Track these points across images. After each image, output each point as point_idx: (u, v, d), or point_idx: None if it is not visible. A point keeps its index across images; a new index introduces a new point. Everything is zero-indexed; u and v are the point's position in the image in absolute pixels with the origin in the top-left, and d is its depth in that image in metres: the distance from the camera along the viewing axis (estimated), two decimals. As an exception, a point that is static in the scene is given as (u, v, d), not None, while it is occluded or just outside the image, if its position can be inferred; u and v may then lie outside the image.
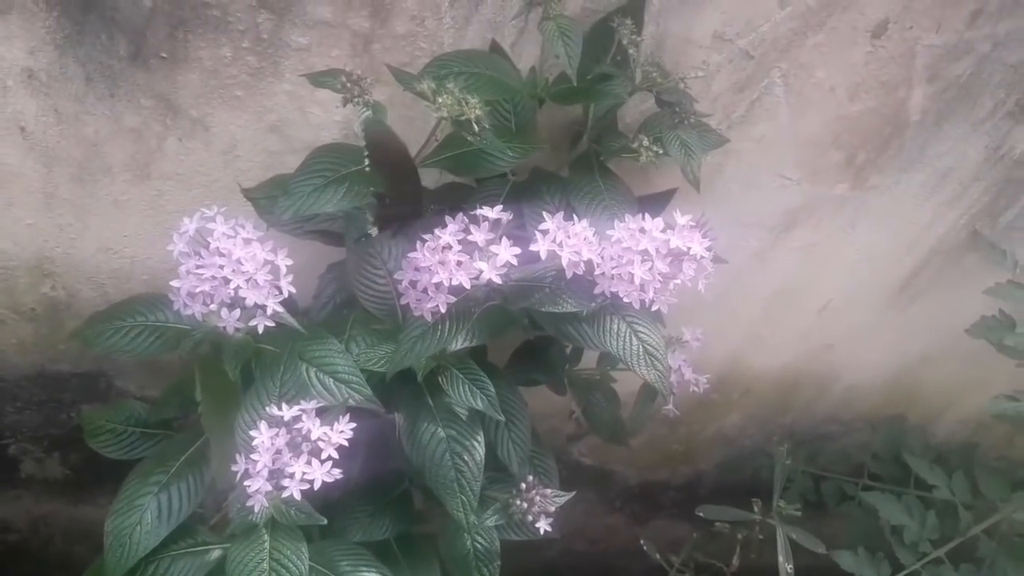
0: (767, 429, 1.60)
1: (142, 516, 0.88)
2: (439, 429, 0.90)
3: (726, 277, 0.90)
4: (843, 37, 1.04)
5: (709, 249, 0.82)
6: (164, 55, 0.91)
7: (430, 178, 1.01)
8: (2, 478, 1.33)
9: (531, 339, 1.08)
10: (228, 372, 0.82)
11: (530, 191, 0.96)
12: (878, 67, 1.08)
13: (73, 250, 1.06)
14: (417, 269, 0.80)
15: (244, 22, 0.90)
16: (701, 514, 1.27)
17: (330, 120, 0.99)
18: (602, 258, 0.82)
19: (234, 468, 0.77)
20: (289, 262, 0.79)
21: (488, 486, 0.93)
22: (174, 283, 0.78)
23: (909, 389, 1.61)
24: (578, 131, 1.01)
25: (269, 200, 0.91)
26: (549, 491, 0.90)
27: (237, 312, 0.79)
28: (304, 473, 0.74)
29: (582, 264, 0.81)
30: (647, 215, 0.83)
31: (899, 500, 1.42)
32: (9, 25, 0.87)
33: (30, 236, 1.04)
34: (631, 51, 0.90)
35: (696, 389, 1.07)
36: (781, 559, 1.23)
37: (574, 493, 0.93)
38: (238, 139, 0.99)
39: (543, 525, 0.90)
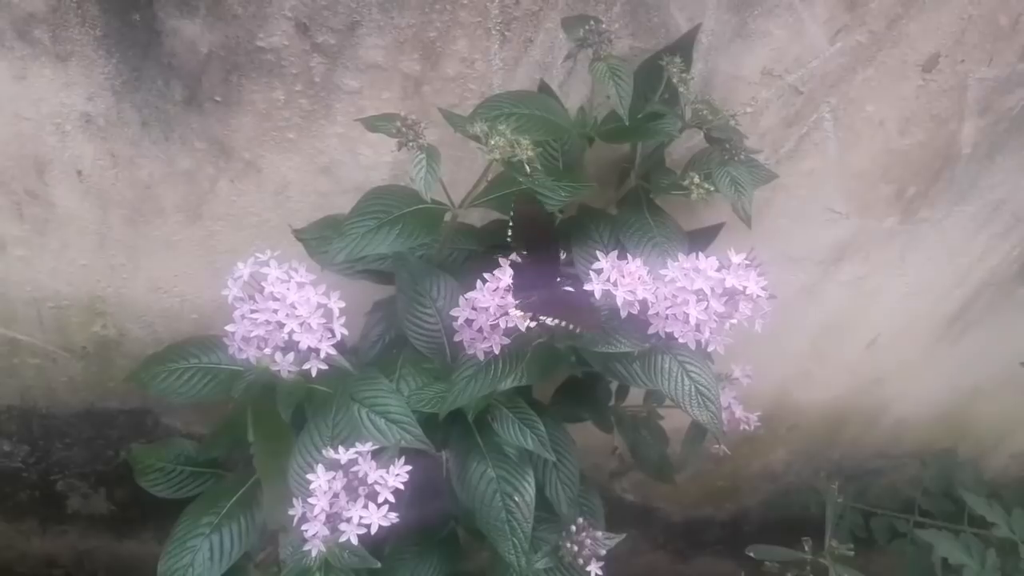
0: (814, 464, 1.57)
1: (194, 558, 0.88)
2: (489, 469, 0.89)
3: (774, 311, 0.89)
4: (893, 71, 1.03)
5: (765, 288, 0.81)
6: (218, 99, 0.92)
7: (476, 216, 1.01)
8: (49, 513, 1.35)
9: (576, 375, 1.06)
10: (281, 414, 0.82)
11: (579, 229, 0.95)
12: (929, 101, 1.07)
13: (125, 289, 1.07)
14: (475, 308, 0.80)
15: (297, 66, 0.91)
16: (752, 555, 1.24)
17: (380, 161, 0.99)
18: (656, 297, 0.81)
19: (291, 512, 0.76)
20: (342, 304, 0.79)
21: (536, 526, 0.91)
22: (229, 327, 0.78)
23: (960, 423, 1.57)
24: (626, 168, 1.01)
25: (319, 240, 0.92)
26: (599, 534, 0.89)
27: (291, 356, 0.78)
28: (361, 517, 0.73)
29: (637, 304, 0.80)
30: (700, 254, 0.82)
31: (957, 538, 1.38)
32: (69, 72, 0.89)
33: (83, 276, 1.05)
34: (680, 89, 0.89)
35: (747, 427, 1.05)
36: (835, 601, 1.19)
37: (624, 536, 0.92)
38: (289, 180, 1.00)
39: (594, 569, 0.88)
